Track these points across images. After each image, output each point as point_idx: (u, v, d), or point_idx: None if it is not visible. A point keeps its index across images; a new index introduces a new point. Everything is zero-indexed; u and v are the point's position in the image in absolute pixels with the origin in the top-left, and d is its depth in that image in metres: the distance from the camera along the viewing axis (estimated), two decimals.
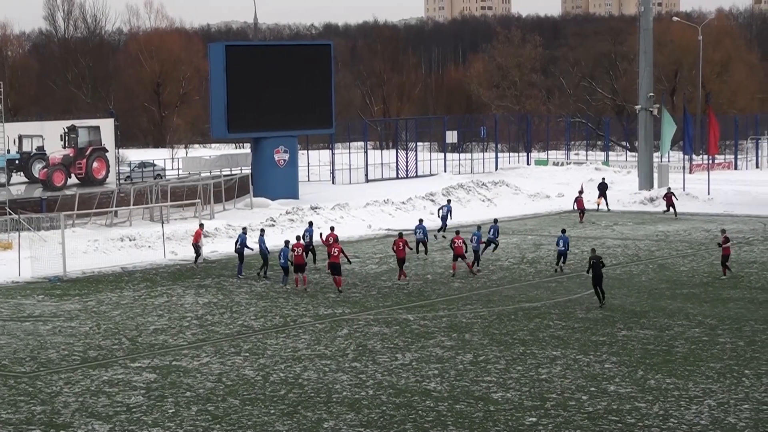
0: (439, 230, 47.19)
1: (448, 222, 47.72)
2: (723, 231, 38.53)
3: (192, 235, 42.06)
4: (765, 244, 44.61)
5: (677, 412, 21.49)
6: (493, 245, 41.23)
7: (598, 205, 57.42)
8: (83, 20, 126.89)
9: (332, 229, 40.69)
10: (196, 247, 40.87)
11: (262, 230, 40.37)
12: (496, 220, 43.61)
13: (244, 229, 40.59)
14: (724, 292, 34.20)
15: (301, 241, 36.36)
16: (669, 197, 54.73)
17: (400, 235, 38.51)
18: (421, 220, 43.95)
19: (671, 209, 54.22)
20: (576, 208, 53.56)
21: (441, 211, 48.19)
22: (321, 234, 41.27)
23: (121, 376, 25.02)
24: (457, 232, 39.17)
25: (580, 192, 54.85)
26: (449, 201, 52.31)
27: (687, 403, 22.06)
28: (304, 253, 35.92)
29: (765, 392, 22.73)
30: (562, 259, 38.26)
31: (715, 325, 29.29)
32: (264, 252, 37.97)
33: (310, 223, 42.71)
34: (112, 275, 39.73)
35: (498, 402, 22.40)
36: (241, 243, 38.65)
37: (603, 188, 58.05)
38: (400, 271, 37.25)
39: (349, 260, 36.71)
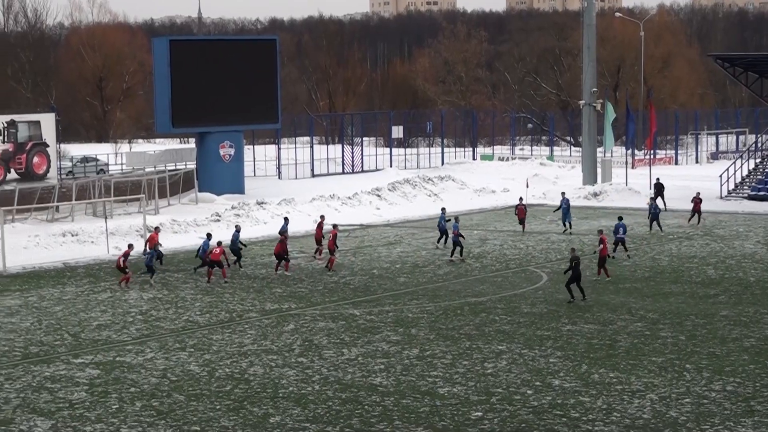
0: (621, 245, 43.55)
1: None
2: (600, 231, 36.99)
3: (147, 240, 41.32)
4: (704, 239, 45.23)
5: (620, 406, 21.73)
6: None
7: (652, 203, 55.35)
8: (24, 14, 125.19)
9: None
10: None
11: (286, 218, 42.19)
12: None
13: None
14: (665, 286, 34.63)
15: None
16: (697, 203, 49.43)
17: (335, 225, 40.54)
18: (443, 209, 44.20)
19: (696, 215, 49.26)
20: (517, 216, 48.13)
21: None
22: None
23: (64, 372, 24.75)
24: (335, 226, 40.22)
25: (521, 199, 49.65)
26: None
27: (630, 397, 22.32)
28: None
29: (705, 386, 23.06)
30: (622, 246, 39.01)
31: (656, 319, 29.65)
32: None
33: (286, 219, 42.48)
34: (54, 271, 39.26)
35: (444, 397, 22.49)
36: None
37: (659, 188, 54.98)
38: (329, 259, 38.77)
39: (227, 260, 37.23)
